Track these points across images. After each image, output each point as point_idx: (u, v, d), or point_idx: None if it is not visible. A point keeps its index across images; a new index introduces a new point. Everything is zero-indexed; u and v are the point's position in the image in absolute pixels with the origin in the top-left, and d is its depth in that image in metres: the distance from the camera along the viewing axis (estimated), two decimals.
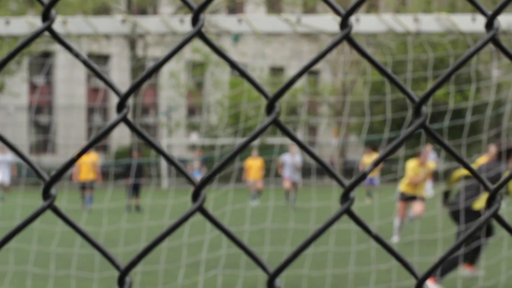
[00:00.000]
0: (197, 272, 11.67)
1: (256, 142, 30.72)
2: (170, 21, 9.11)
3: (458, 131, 18.98)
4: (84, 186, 25.67)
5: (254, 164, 29.72)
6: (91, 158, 25.90)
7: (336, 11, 1.37)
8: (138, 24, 9.11)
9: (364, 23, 8.97)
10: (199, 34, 1.34)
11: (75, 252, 12.71)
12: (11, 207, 18.57)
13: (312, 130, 59.93)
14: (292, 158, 26.85)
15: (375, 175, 29.41)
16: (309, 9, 50.78)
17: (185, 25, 8.98)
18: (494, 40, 1.39)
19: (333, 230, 14.72)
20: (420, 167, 17.02)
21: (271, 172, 26.00)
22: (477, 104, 31.68)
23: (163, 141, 49.33)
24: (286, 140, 43.85)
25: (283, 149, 46.81)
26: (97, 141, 1.32)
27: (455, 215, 10.72)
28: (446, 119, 15.08)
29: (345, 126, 50.43)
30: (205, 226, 16.78)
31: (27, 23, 8.93)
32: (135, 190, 26.27)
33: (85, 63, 1.35)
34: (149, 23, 9.23)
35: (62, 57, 54.63)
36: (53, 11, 1.31)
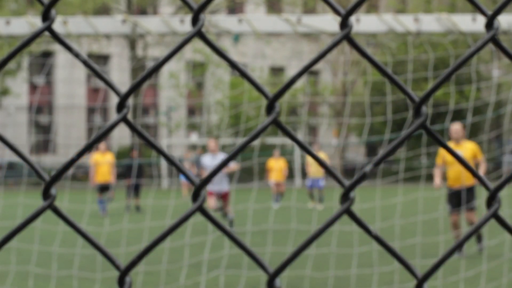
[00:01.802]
0: (199, 273, 11.67)
1: (256, 142, 30.57)
2: (170, 21, 9.11)
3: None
4: (102, 189, 24.09)
5: (276, 165, 28.56)
6: (107, 158, 24.47)
7: (336, 11, 1.37)
8: (138, 24, 9.12)
9: (364, 23, 8.97)
10: (199, 34, 1.34)
11: (77, 253, 12.71)
12: (12, 207, 18.58)
13: (312, 130, 59.96)
14: (213, 159, 18.74)
15: (320, 176, 27.29)
16: (309, 9, 50.81)
17: (185, 25, 8.98)
18: (494, 40, 1.39)
19: (335, 231, 14.72)
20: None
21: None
22: (478, 105, 31.66)
23: (163, 141, 49.35)
24: (287, 140, 43.86)
25: (284, 150, 46.83)
26: (97, 141, 1.32)
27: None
28: (446, 120, 14.99)
29: (346, 126, 50.43)
30: (207, 227, 16.80)
31: (27, 23, 8.93)
32: (135, 190, 26.08)
33: (85, 63, 1.35)
34: (149, 23, 9.23)
35: (62, 57, 54.68)
36: (53, 11, 1.31)
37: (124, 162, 27.58)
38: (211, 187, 18.15)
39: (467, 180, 13.46)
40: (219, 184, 18.30)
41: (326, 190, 28.16)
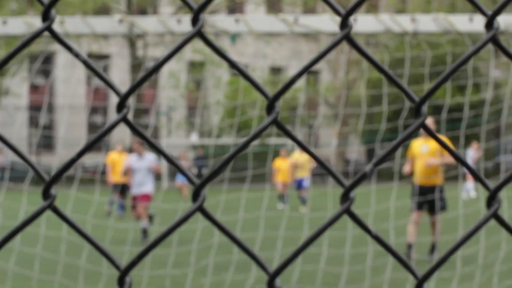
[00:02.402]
0: (204, 275, 11.64)
1: (256, 142, 30.41)
2: (167, 21, 9.11)
3: (457, 131, 18.93)
4: (117, 188, 23.34)
5: (283, 165, 27.19)
6: (124, 158, 23.16)
7: (336, 11, 1.37)
8: (135, 24, 9.11)
9: (362, 23, 8.98)
10: (199, 34, 1.34)
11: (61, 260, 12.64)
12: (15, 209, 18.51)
13: (312, 130, 59.96)
14: (139, 159, 16.94)
15: (304, 175, 25.98)
16: (309, 9, 50.83)
17: (182, 25, 8.98)
18: (494, 40, 1.39)
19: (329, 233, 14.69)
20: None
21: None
22: (477, 101, 31.68)
23: (163, 141, 49.35)
24: (286, 140, 43.91)
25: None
26: (97, 141, 1.32)
27: None
28: (443, 123, 14.90)
29: (345, 126, 50.40)
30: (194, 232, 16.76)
31: (24, 23, 8.92)
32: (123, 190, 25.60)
33: (85, 63, 1.35)
34: (147, 23, 9.22)
35: (62, 57, 54.69)
36: (53, 11, 1.31)
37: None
38: (135, 190, 16.52)
39: (437, 180, 13.08)
40: (142, 186, 16.52)
41: (322, 190, 27.97)
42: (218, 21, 9.08)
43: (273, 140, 42.58)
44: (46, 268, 12.19)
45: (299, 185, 26.02)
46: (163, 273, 11.79)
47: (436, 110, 17.67)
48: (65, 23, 8.91)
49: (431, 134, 1.41)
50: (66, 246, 13.39)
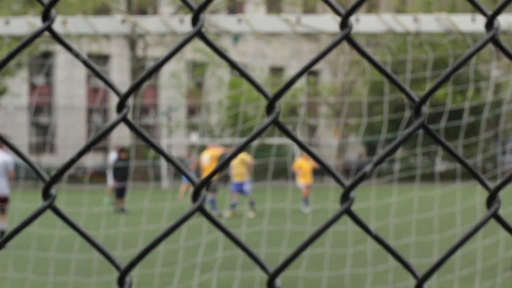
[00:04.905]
0: (192, 275, 11.63)
1: (255, 143, 30.35)
2: (169, 21, 9.11)
3: (457, 132, 18.91)
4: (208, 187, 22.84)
5: (304, 165, 25.94)
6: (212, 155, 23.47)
7: (336, 11, 1.37)
8: (137, 24, 9.11)
9: (364, 23, 8.97)
10: (199, 34, 1.34)
11: (73, 257, 12.64)
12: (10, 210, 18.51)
13: (312, 130, 60.01)
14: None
15: (244, 179, 23.34)
16: (309, 9, 50.84)
17: (184, 25, 8.98)
18: (494, 40, 1.39)
19: (329, 231, 14.69)
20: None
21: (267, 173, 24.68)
22: (476, 105, 31.70)
23: (163, 141, 49.36)
24: (286, 140, 43.89)
25: (281, 150, 46.97)
26: (97, 141, 1.32)
27: None
28: (443, 120, 14.81)
29: (345, 126, 50.39)
30: (201, 229, 16.80)
31: (26, 23, 8.92)
32: (120, 192, 25.56)
33: (85, 63, 1.35)
34: (149, 23, 9.22)
35: (62, 57, 54.69)
36: (53, 11, 1.31)
37: (122, 164, 27.12)
38: None
39: None
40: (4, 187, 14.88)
41: (322, 190, 27.90)
42: (220, 21, 9.07)
43: (276, 140, 42.63)
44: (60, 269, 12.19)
45: (240, 190, 23.41)
46: (171, 270, 11.80)
47: (437, 116, 17.65)
48: (67, 23, 8.91)
49: (431, 134, 1.41)
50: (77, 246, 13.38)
